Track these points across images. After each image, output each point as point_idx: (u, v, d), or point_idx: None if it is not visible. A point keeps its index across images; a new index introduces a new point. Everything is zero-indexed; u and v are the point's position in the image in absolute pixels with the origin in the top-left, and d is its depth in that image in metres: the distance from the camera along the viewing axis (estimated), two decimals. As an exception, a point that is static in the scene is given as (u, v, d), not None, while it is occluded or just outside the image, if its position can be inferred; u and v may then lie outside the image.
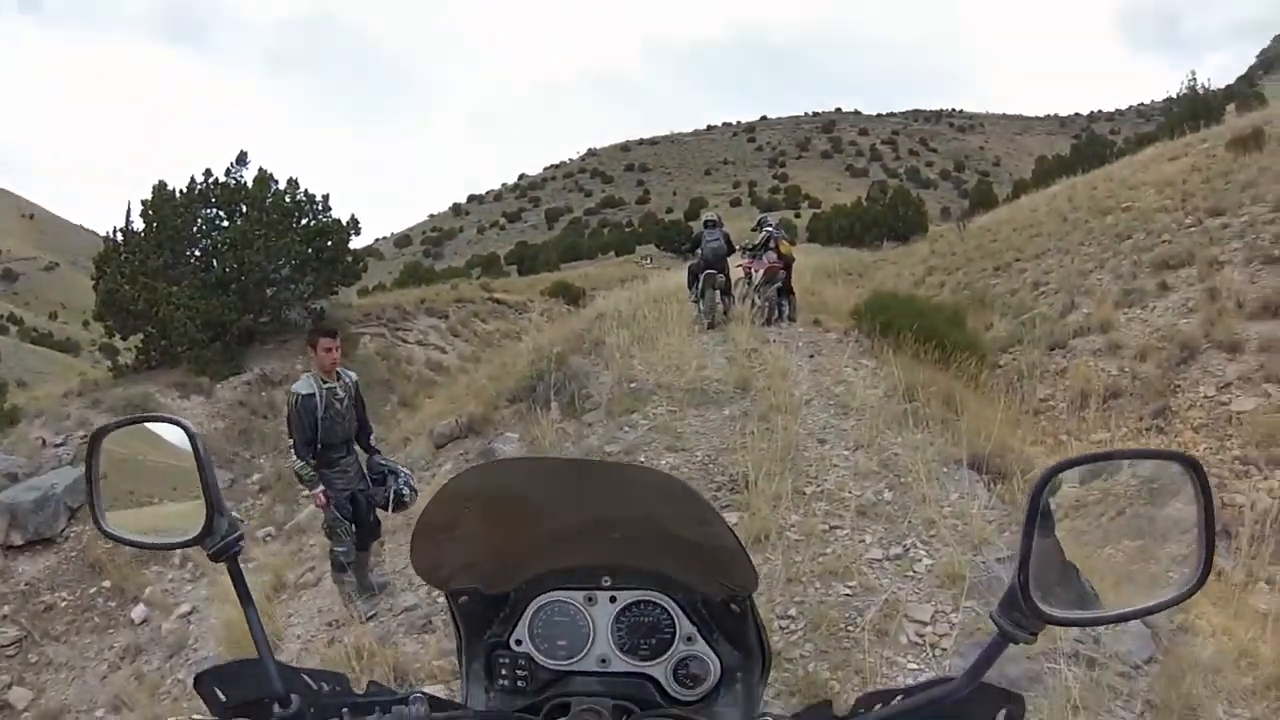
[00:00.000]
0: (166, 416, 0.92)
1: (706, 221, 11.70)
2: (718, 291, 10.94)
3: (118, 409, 12.17)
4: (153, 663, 7.06)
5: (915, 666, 3.34)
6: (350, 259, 17.86)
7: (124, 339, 16.19)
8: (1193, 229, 13.68)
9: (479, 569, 1.11)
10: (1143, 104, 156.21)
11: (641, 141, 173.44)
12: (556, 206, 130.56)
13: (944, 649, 3.45)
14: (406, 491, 5.22)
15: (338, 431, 4.97)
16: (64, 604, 8.41)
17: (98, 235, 16.96)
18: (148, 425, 0.96)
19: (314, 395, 4.82)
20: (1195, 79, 35.59)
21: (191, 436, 0.86)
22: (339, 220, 17.77)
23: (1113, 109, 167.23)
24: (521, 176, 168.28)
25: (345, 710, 0.91)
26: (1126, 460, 0.74)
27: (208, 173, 16.87)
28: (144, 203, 16.06)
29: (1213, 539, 0.68)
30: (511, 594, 1.12)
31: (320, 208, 17.54)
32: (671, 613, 1.08)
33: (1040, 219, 21.07)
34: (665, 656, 1.07)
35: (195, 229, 16.35)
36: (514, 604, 1.12)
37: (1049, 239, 18.29)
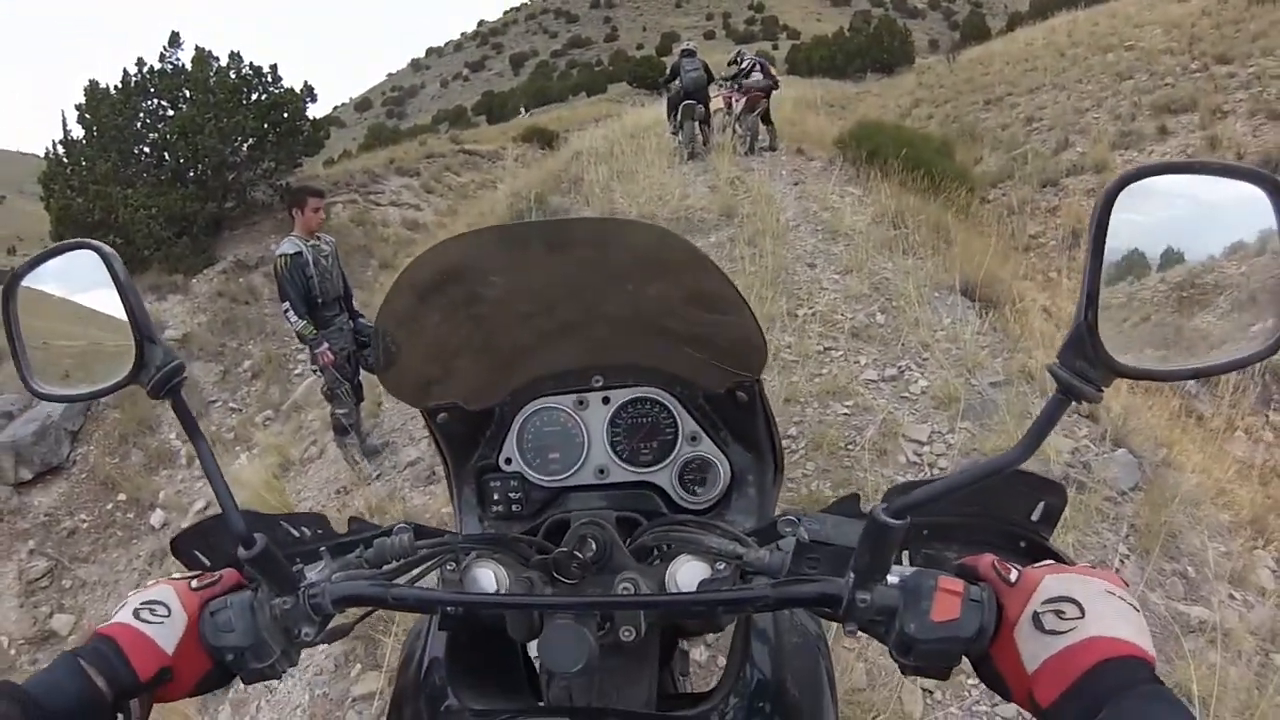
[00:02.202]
0: (75, 241, 0.78)
1: (684, 51, 10.87)
2: (697, 122, 10.38)
3: (93, 325, 11.73)
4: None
5: (916, 485, 3.27)
6: (310, 128, 16.65)
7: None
8: (1198, 74, 13.15)
9: (455, 381, 0.99)
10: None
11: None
12: (521, 51, 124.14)
13: (941, 467, 3.38)
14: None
15: (329, 288, 4.75)
16: (85, 526, 8.36)
17: (40, 158, 15.48)
18: (59, 260, 0.80)
19: (301, 253, 4.59)
20: None
21: (106, 259, 0.73)
22: (292, 89, 16.38)
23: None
24: (481, 23, 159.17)
25: (324, 550, 0.83)
26: (1202, 175, 0.58)
27: (140, 62, 15.27)
28: (78, 107, 14.69)
29: None
30: (496, 409, 1.02)
31: (270, 80, 16.14)
32: (672, 410, 0.99)
33: (1037, 53, 20.08)
34: (669, 460, 0.99)
35: (139, 124, 15.02)
36: (499, 419, 1.02)
37: (1045, 74, 17.48)
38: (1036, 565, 0.63)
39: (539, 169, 12.98)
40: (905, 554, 0.78)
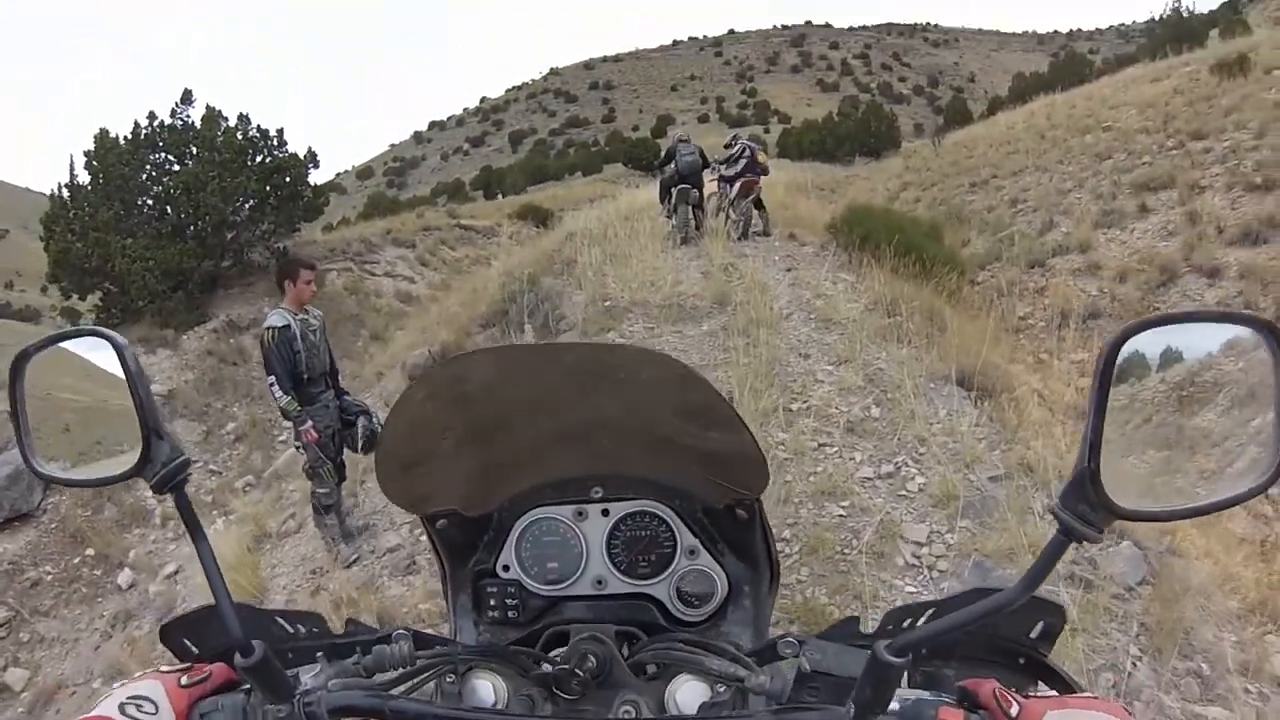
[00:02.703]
0: (90, 329, 0.77)
1: (679, 138, 11.20)
2: (691, 206, 10.55)
3: (79, 374, 11.58)
4: (144, 626, 6.84)
5: (914, 589, 3.20)
6: (310, 193, 16.98)
7: (82, 299, 15.30)
8: (1174, 151, 13.48)
9: (456, 488, 0.99)
10: (1123, 24, 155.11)
11: (605, 59, 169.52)
12: (520, 129, 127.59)
13: (941, 570, 3.30)
14: (379, 428, 4.93)
15: (317, 364, 4.68)
16: (49, 578, 8.07)
17: (47, 197, 15.82)
18: (72, 344, 0.80)
19: (289, 326, 4.52)
20: (1180, 1, 34.36)
21: (120, 350, 0.73)
22: (295, 155, 16.79)
23: (1093, 28, 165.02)
24: (483, 99, 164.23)
25: (320, 653, 0.82)
26: (1201, 323, 0.63)
27: (152, 116, 15.70)
28: (87, 154, 15.00)
29: None
30: (495, 515, 1.02)
31: (275, 143, 16.57)
32: (671, 524, 0.99)
33: (1018, 136, 20.70)
34: (667, 574, 0.98)
35: (145, 176, 15.31)
36: (498, 525, 1.03)
37: (1027, 156, 17.98)
38: (1039, 696, 0.63)
39: (532, 248, 13.15)
40: (904, 671, 0.74)
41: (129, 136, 15.39)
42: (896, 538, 3.50)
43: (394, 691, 0.77)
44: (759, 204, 10.90)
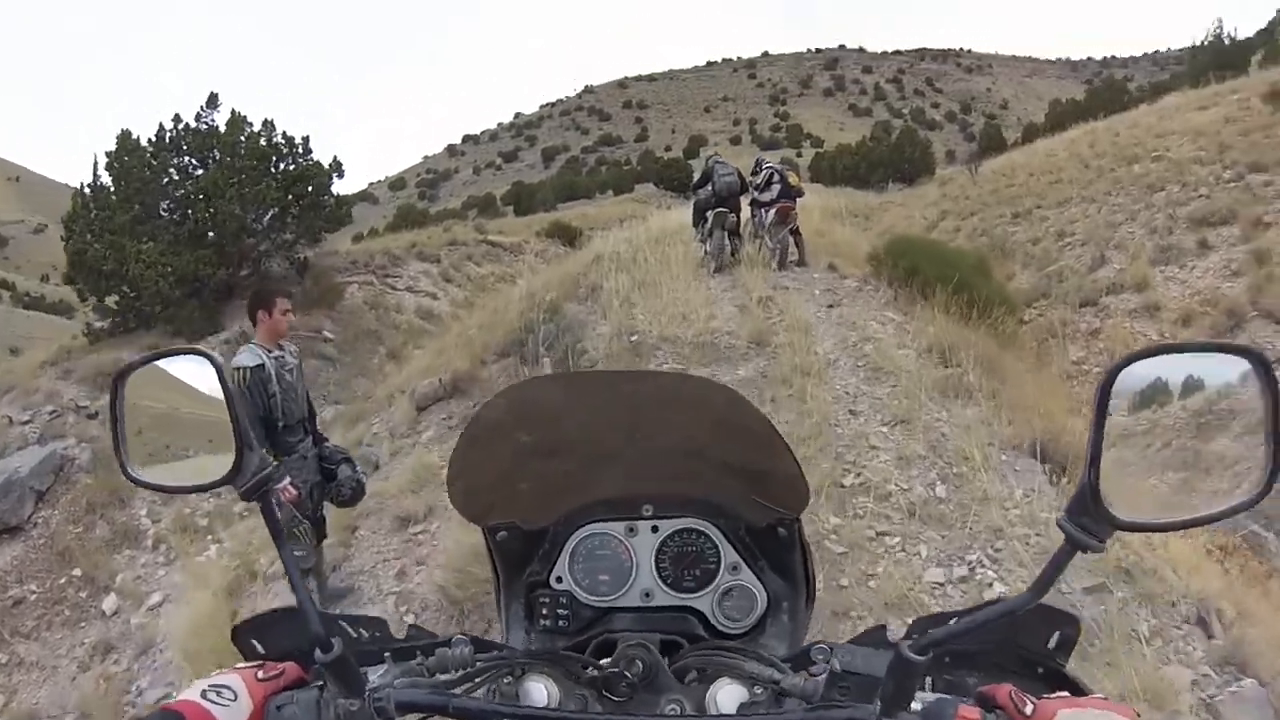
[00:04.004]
0: (190, 349, 0.83)
1: (715, 158, 10.64)
2: (727, 232, 9.93)
3: (88, 379, 11.29)
4: (122, 662, 6.44)
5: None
6: (333, 203, 16.66)
7: (100, 301, 14.95)
8: (1232, 184, 12.80)
9: (517, 502, 1.06)
10: (1158, 51, 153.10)
11: (640, 78, 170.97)
12: (553, 145, 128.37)
13: None
14: (364, 479, 4.41)
15: (294, 408, 4.08)
16: (34, 597, 7.75)
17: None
18: (172, 362, 0.86)
19: (264, 365, 3.90)
20: (1222, 26, 32.93)
21: (219, 369, 0.78)
22: (319, 163, 16.50)
23: (1127, 55, 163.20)
24: (517, 115, 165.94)
25: (388, 655, 0.89)
26: (1193, 353, 0.67)
27: (177, 119, 15.51)
28: (109, 155, 14.78)
29: (1279, 439, 0.61)
30: (550, 529, 1.08)
31: (300, 151, 16.30)
32: (716, 541, 1.05)
33: (1060, 165, 20.02)
34: (710, 588, 1.04)
35: (166, 180, 15.06)
36: (553, 539, 1.08)
37: (1071, 186, 17.30)
38: (1053, 696, 0.66)
39: (557, 269, 12.67)
40: (929, 679, 0.81)
41: (153, 139, 15.18)
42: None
43: (455, 691, 0.80)
44: (795, 231, 10.30)
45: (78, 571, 7.93)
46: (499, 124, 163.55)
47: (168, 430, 0.92)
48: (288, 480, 3.94)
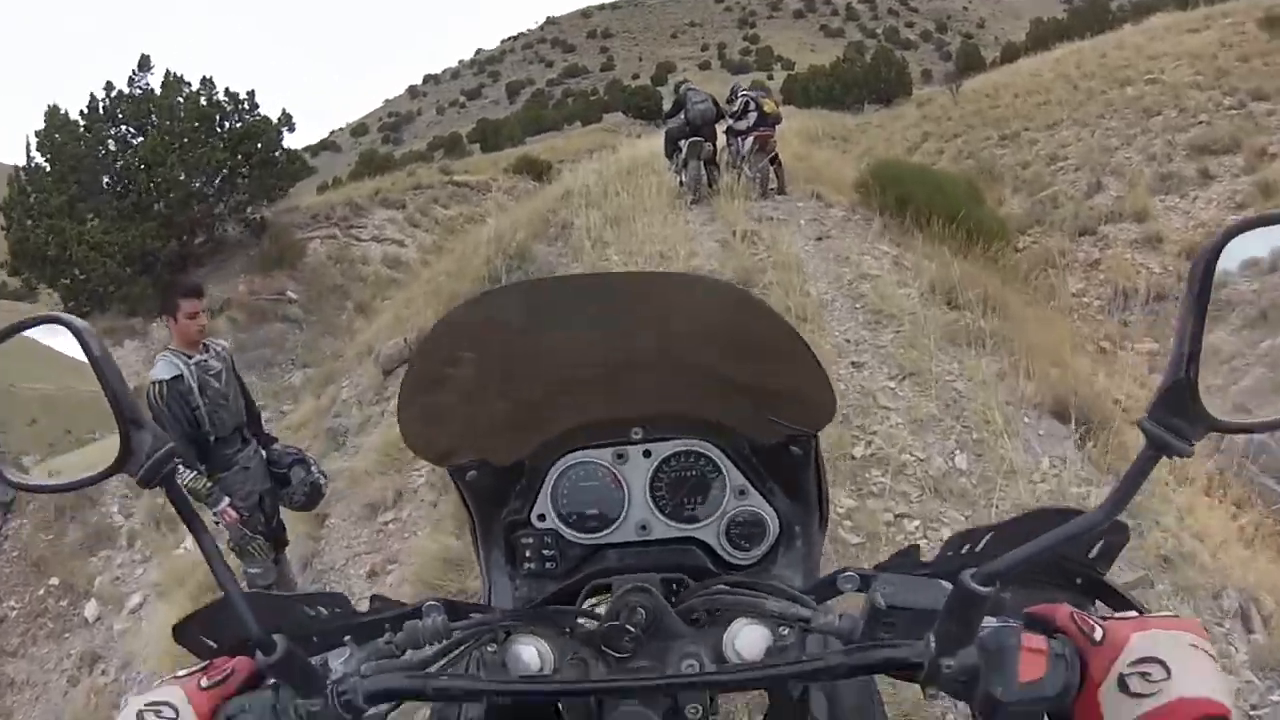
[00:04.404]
0: (48, 315, 0.68)
1: (687, 85, 9.87)
2: (703, 162, 9.23)
3: (42, 371, 10.68)
4: (109, 672, 6.15)
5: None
6: (285, 158, 15.71)
7: (50, 288, 14.13)
8: (1233, 112, 12.27)
9: (484, 437, 0.96)
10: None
11: (603, 7, 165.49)
12: (518, 80, 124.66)
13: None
14: (322, 481, 3.84)
15: (226, 417, 3.51)
16: (14, 613, 7.45)
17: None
18: (33, 333, 0.69)
19: (181, 376, 3.34)
20: None
21: (80, 336, 0.63)
22: (267, 118, 15.49)
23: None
24: (478, 51, 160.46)
25: (348, 636, 0.78)
26: None
27: (109, 86, 14.34)
28: (38, 134, 13.69)
29: None
30: (526, 462, 0.97)
31: (247, 107, 15.26)
32: (719, 463, 0.94)
33: (1047, 85, 19.33)
34: (715, 516, 0.95)
35: (103, 153, 13.96)
36: (531, 473, 0.98)
37: (1061, 108, 16.65)
38: (1119, 617, 0.61)
39: (526, 206, 11.94)
40: (991, 601, 0.67)
41: (85, 111, 14.10)
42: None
43: (433, 669, 0.72)
44: (775, 159, 9.58)
45: (55, 580, 7.63)
46: (460, 61, 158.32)
47: (61, 413, 0.80)
48: (226, 502, 3.41)
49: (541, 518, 0.96)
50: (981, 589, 0.57)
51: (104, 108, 14.21)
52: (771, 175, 9.37)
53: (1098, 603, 0.73)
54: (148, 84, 14.60)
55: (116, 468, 0.63)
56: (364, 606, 0.83)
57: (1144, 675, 0.55)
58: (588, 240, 7.49)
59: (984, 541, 0.73)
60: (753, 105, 9.36)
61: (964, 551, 0.75)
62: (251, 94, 15.51)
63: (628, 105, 56.37)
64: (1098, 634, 0.58)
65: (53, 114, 13.89)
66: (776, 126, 9.47)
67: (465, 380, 0.90)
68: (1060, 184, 12.33)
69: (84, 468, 0.67)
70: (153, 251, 13.21)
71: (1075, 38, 27.16)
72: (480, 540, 1.00)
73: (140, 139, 14.10)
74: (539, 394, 0.93)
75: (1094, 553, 0.74)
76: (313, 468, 3.78)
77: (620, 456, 0.95)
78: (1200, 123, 12.31)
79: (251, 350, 12.19)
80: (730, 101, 9.82)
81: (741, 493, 0.93)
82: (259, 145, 14.97)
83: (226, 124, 14.89)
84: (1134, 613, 0.65)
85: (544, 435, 0.96)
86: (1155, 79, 15.52)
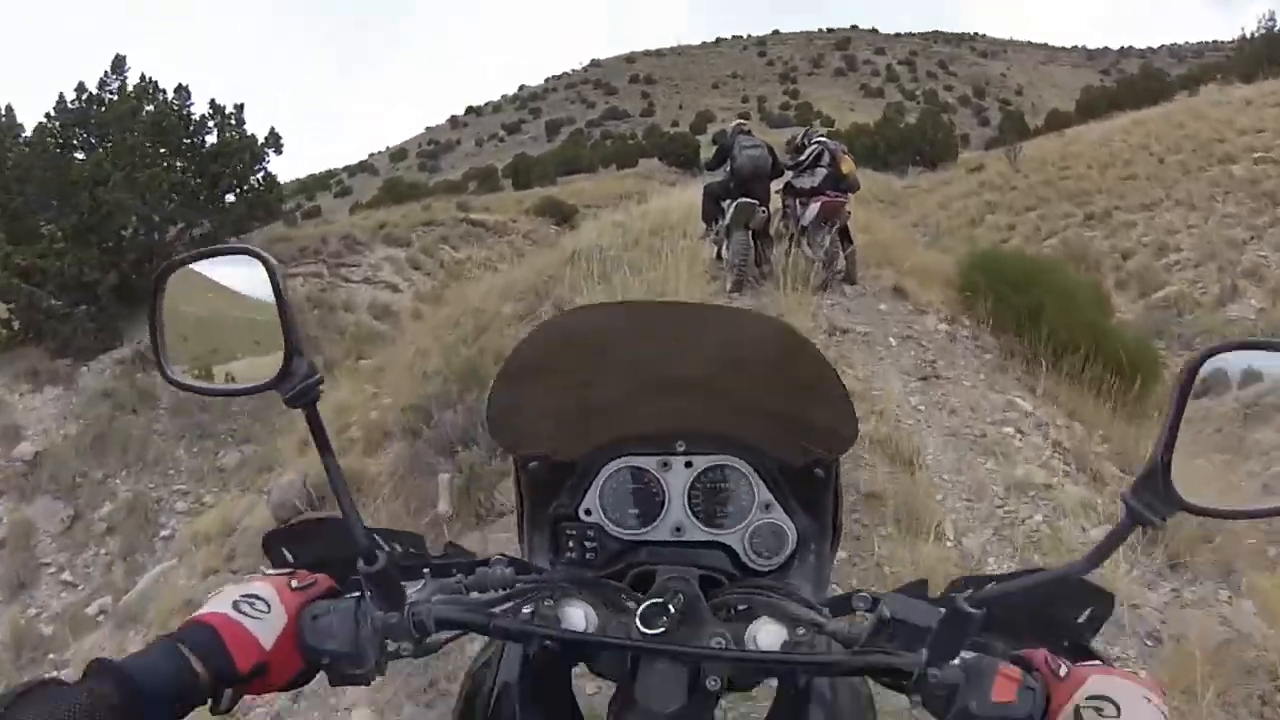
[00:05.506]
0: (239, 247, 0.76)
1: (739, 128, 7.71)
2: (752, 232, 6.94)
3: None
4: None
5: None
6: (265, 184, 13.90)
7: None
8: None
9: (554, 432, 1.05)
10: (1175, 44, 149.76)
11: (647, 53, 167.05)
12: (557, 118, 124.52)
13: None
14: None
15: None
16: None
17: None
18: (220, 260, 0.80)
19: None
20: (1274, 19, 31.37)
21: (270, 269, 0.71)
22: (251, 137, 13.68)
23: (1144, 46, 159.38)
24: (522, 87, 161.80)
25: (427, 571, 0.85)
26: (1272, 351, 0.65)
27: (80, 88, 12.81)
28: None
29: None
30: (580, 461, 1.05)
31: (232, 122, 13.50)
32: (749, 478, 1.02)
33: (1121, 155, 17.23)
34: (741, 525, 1.01)
35: (48, 169, 12.21)
36: (583, 471, 1.05)
37: (1152, 183, 14.53)
38: (1084, 663, 0.67)
39: (528, 265, 9.84)
40: (979, 624, 0.75)
41: (50, 114, 12.65)
42: None
43: (494, 610, 0.79)
44: (845, 235, 7.37)
45: None
46: (503, 96, 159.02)
47: (211, 335, 0.89)
48: None
49: (588, 512, 1.02)
50: (972, 610, 0.63)
51: (66, 112, 12.65)
52: (840, 257, 7.21)
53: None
54: (118, 88, 12.93)
55: (271, 385, 0.70)
56: (438, 551, 0.92)
57: (1097, 709, 0.60)
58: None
59: (985, 585, 0.74)
60: (827, 157, 7.16)
61: (966, 590, 0.74)
62: (240, 108, 13.68)
63: (665, 151, 54.82)
64: (1063, 671, 0.65)
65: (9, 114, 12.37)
66: (850, 194, 7.35)
67: (550, 380, 1.01)
68: (1177, 282, 10.11)
69: (223, 382, 0.81)
70: (89, 284, 11.33)
71: (1128, 107, 25.52)
72: (527, 527, 1.06)
73: (100, 151, 12.38)
74: (605, 401, 1.02)
75: (1083, 619, 0.79)
76: None
77: (665, 465, 1.01)
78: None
79: (184, 416, 10.18)
80: (797, 150, 7.61)
81: (767, 506, 1.00)
82: (235, 167, 13.14)
83: (195, 140, 13.13)
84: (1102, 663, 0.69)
85: (600, 439, 1.02)
86: (1266, 157, 13.44)
